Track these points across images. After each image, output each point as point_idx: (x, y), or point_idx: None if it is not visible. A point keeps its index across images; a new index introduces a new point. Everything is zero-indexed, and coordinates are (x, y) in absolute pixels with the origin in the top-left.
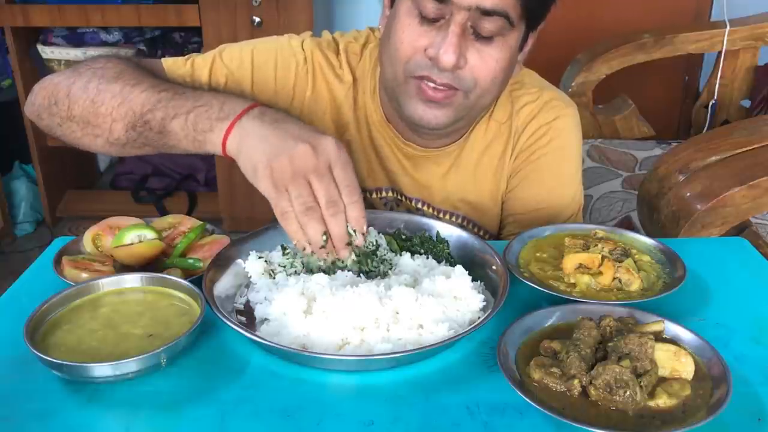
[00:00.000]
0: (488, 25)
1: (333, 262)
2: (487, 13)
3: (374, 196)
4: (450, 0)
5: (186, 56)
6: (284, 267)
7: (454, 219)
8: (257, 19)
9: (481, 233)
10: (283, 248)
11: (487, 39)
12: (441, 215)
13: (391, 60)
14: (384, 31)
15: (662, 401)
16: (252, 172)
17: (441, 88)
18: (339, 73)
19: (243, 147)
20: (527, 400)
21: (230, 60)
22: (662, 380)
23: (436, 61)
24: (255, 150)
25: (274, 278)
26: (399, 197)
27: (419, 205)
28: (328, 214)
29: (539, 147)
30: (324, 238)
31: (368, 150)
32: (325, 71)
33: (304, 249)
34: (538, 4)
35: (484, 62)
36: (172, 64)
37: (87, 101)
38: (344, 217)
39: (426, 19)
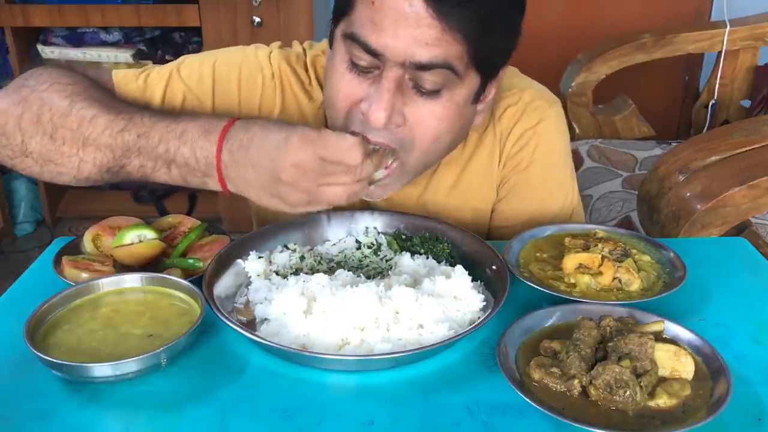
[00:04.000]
0: (431, 78)
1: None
2: (424, 67)
3: None
4: (382, 54)
5: (142, 69)
6: (289, 269)
7: None
8: (257, 19)
9: None
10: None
11: (431, 93)
12: None
13: (330, 110)
14: (325, 73)
15: (662, 401)
16: (282, 210)
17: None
18: (308, 89)
19: (243, 191)
20: (527, 400)
21: (189, 75)
22: (662, 380)
23: (367, 118)
24: (260, 197)
25: (277, 278)
26: None
27: None
28: (359, 180)
29: (526, 155)
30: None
31: None
32: (294, 88)
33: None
34: (490, 52)
35: (424, 121)
36: (122, 79)
37: (45, 138)
38: (367, 165)
39: (360, 68)
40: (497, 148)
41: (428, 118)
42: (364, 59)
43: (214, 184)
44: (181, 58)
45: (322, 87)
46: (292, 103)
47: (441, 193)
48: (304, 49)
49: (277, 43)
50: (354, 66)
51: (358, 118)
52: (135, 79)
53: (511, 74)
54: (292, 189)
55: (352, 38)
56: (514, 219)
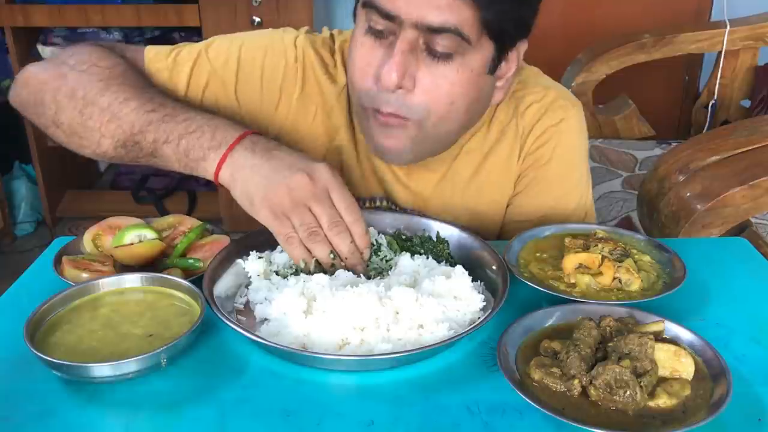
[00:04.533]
0: (442, 42)
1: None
2: (435, 30)
3: (367, 205)
4: (396, 16)
5: (173, 47)
6: (289, 269)
7: None
8: (257, 19)
9: None
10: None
11: (444, 57)
12: None
13: (351, 86)
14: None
15: (662, 401)
16: (249, 204)
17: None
18: (332, 72)
19: (237, 178)
20: (527, 400)
21: (216, 56)
22: (662, 380)
23: (380, 81)
24: (250, 182)
25: (277, 278)
26: (393, 207)
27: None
28: (333, 234)
29: (546, 151)
30: (332, 255)
31: (361, 157)
32: (317, 71)
33: (308, 265)
34: (501, 18)
35: (437, 84)
36: (153, 57)
37: (75, 112)
38: (348, 234)
39: (377, 34)
40: (518, 143)
41: (441, 81)
42: (380, 23)
43: (209, 164)
44: (212, 38)
45: (347, 72)
46: (313, 87)
47: (460, 181)
48: (332, 35)
49: (305, 28)
50: (372, 32)
51: (374, 94)
52: (165, 57)
53: (536, 74)
54: (285, 190)
55: (369, 5)
56: (529, 214)
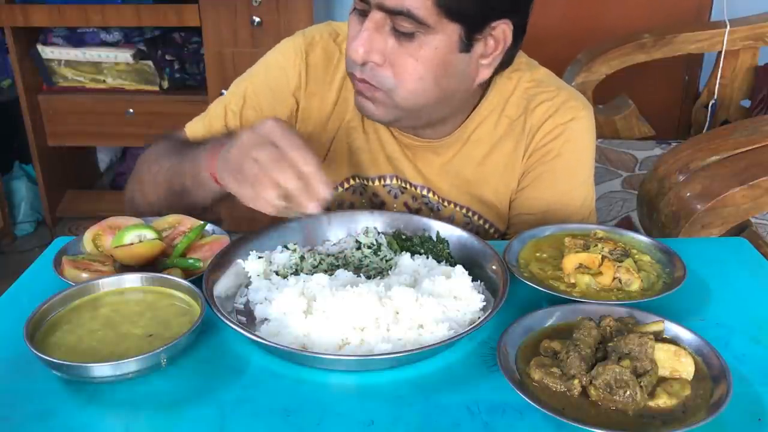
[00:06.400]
0: (402, 23)
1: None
2: (393, 12)
3: (377, 183)
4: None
5: (203, 116)
6: (289, 269)
7: (458, 209)
8: (257, 19)
9: (487, 226)
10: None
11: (407, 36)
12: (446, 204)
13: None
14: None
15: (662, 401)
16: (224, 183)
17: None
18: (336, 61)
19: (219, 168)
20: (527, 400)
21: (234, 101)
22: (662, 380)
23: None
24: (220, 163)
25: (277, 278)
26: (403, 185)
27: (425, 192)
28: (272, 169)
29: (554, 147)
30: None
31: (370, 136)
32: (319, 68)
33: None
34: (458, 3)
35: (402, 61)
36: (189, 132)
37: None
38: (289, 167)
39: (360, 13)
40: (524, 141)
41: (405, 58)
42: (360, 4)
43: (207, 176)
44: (230, 90)
45: None
46: (319, 76)
47: (466, 168)
48: (338, 25)
49: (301, 33)
50: (357, 11)
51: (351, 60)
52: (200, 123)
53: (551, 75)
54: (235, 151)
55: None
56: (534, 208)
